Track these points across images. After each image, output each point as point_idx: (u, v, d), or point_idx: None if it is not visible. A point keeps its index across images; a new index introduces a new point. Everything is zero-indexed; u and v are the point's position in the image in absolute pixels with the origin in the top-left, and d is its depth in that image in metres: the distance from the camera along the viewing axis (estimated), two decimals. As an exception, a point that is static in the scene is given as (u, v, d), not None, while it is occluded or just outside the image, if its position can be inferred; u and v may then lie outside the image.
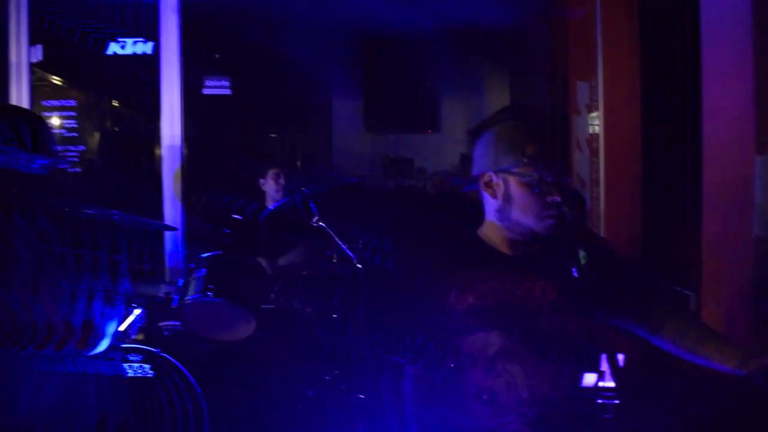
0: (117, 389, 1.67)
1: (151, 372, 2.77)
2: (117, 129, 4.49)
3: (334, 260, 3.12)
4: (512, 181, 1.67)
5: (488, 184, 1.71)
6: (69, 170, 4.22)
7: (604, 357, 1.33)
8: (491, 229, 1.75)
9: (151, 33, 4.15)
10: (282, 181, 3.62)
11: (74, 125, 4.25)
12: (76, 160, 4.25)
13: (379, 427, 2.86)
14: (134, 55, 4.20)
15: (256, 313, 2.85)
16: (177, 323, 3.00)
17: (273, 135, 6.37)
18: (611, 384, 1.31)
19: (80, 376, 1.47)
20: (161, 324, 3.06)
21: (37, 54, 4.23)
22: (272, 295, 3.05)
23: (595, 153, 4.17)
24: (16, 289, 1.38)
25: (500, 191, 1.69)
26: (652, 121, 3.81)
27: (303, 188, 2.93)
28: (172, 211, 4.17)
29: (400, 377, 2.01)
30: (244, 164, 4.02)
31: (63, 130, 4.24)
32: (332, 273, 3.07)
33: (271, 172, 3.66)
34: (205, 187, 4.24)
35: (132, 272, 1.67)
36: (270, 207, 3.08)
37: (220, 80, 4.24)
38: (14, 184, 1.47)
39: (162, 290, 3.17)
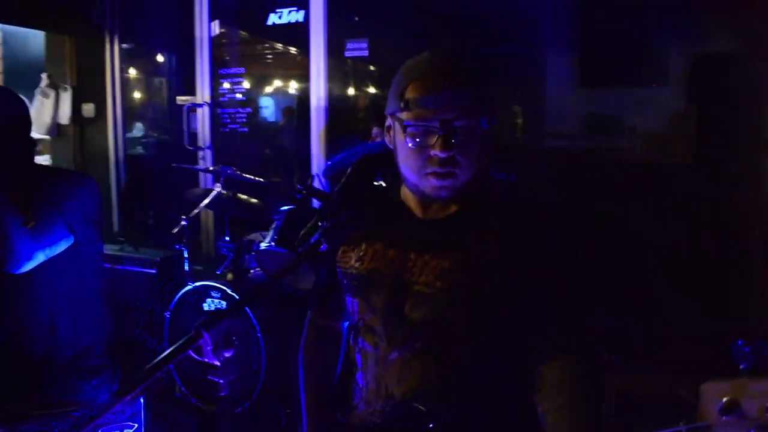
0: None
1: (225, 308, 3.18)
2: (277, 92, 5.00)
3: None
4: (397, 127, 1.42)
5: (387, 129, 1.48)
6: (239, 130, 4.84)
7: None
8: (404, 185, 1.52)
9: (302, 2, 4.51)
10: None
11: (243, 90, 4.82)
12: (245, 120, 4.83)
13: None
14: (288, 24, 4.61)
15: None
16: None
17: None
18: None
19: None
20: (251, 266, 3.46)
21: (216, 28, 4.88)
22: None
23: None
24: None
25: (390, 139, 1.47)
26: None
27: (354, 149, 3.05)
28: (318, 165, 4.56)
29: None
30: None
31: (234, 95, 4.84)
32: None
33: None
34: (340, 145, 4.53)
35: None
36: (328, 163, 3.25)
37: (360, 42, 4.44)
38: None
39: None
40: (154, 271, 3.91)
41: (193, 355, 1.09)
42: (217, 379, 1.04)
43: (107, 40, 5.31)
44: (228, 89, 4.86)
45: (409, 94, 1.39)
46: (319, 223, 1.32)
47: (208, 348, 1.09)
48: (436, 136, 1.36)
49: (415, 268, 1.46)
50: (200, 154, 4.95)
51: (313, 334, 1.74)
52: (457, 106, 1.36)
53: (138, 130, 5.84)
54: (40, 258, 1.81)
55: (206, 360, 1.09)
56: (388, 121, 1.47)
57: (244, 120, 4.82)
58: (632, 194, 4.01)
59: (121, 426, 1.55)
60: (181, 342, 1.08)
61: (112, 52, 5.33)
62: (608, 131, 5.58)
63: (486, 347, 1.44)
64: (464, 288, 1.42)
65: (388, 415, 1.47)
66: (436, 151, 1.36)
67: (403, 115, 1.39)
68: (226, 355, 1.20)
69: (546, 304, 1.42)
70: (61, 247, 1.86)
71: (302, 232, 1.31)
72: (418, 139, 1.38)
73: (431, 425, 1.41)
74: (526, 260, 1.41)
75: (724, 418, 1.25)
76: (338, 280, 1.61)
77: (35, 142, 2.12)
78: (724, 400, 1.17)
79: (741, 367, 1.44)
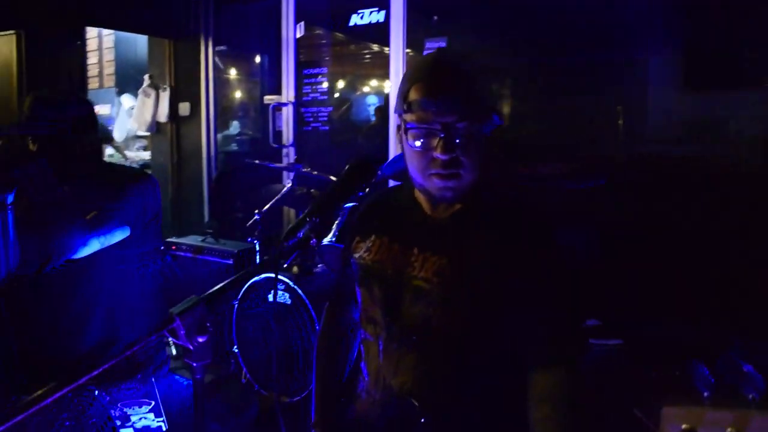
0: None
1: (289, 300, 3.29)
2: (358, 92, 5.08)
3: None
4: (402, 128, 1.43)
5: (398, 129, 1.48)
6: (320, 128, 4.97)
7: None
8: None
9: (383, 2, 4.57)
10: None
11: (325, 90, 4.95)
12: (326, 119, 4.95)
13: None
14: (369, 24, 4.68)
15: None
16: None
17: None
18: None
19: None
20: (316, 261, 3.56)
21: (301, 30, 5.02)
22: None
23: None
24: None
25: (399, 139, 1.48)
26: None
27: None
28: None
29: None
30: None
31: (317, 95, 4.97)
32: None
33: None
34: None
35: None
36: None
37: (439, 42, 4.44)
38: None
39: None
40: (230, 262, 4.09)
41: (168, 336, 1.16)
42: (192, 362, 1.09)
43: (202, 43, 5.59)
44: (311, 89, 5.00)
45: (412, 97, 1.40)
46: (308, 219, 1.35)
47: (182, 332, 1.15)
48: (438, 139, 1.38)
49: (416, 263, 1.49)
50: (284, 151, 5.12)
51: (329, 325, 1.80)
52: (458, 108, 1.37)
53: (234, 128, 6.12)
54: (95, 246, 1.97)
55: (180, 343, 1.15)
56: (397, 121, 1.49)
57: (326, 119, 4.95)
58: (735, 201, 3.79)
59: (139, 402, 1.67)
60: (156, 324, 1.16)
61: (207, 55, 5.60)
62: (712, 136, 5.25)
63: (479, 346, 1.43)
64: (459, 285, 1.42)
65: (386, 406, 1.50)
66: (437, 153, 1.38)
67: (407, 117, 1.41)
68: (200, 340, 1.25)
69: (538, 309, 1.40)
70: (117, 237, 2.01)
71: (290, 226, 1.35)
72: (421, 141, 1.40)
73: (423, 419, 1.42)
74: (520, 262, 1.40)
75: None
76: (353, 271, 1.65)
77: (101, 140, 2.28)
78: (683, 426, 1.11)
79: (705, 394, 1.36)
